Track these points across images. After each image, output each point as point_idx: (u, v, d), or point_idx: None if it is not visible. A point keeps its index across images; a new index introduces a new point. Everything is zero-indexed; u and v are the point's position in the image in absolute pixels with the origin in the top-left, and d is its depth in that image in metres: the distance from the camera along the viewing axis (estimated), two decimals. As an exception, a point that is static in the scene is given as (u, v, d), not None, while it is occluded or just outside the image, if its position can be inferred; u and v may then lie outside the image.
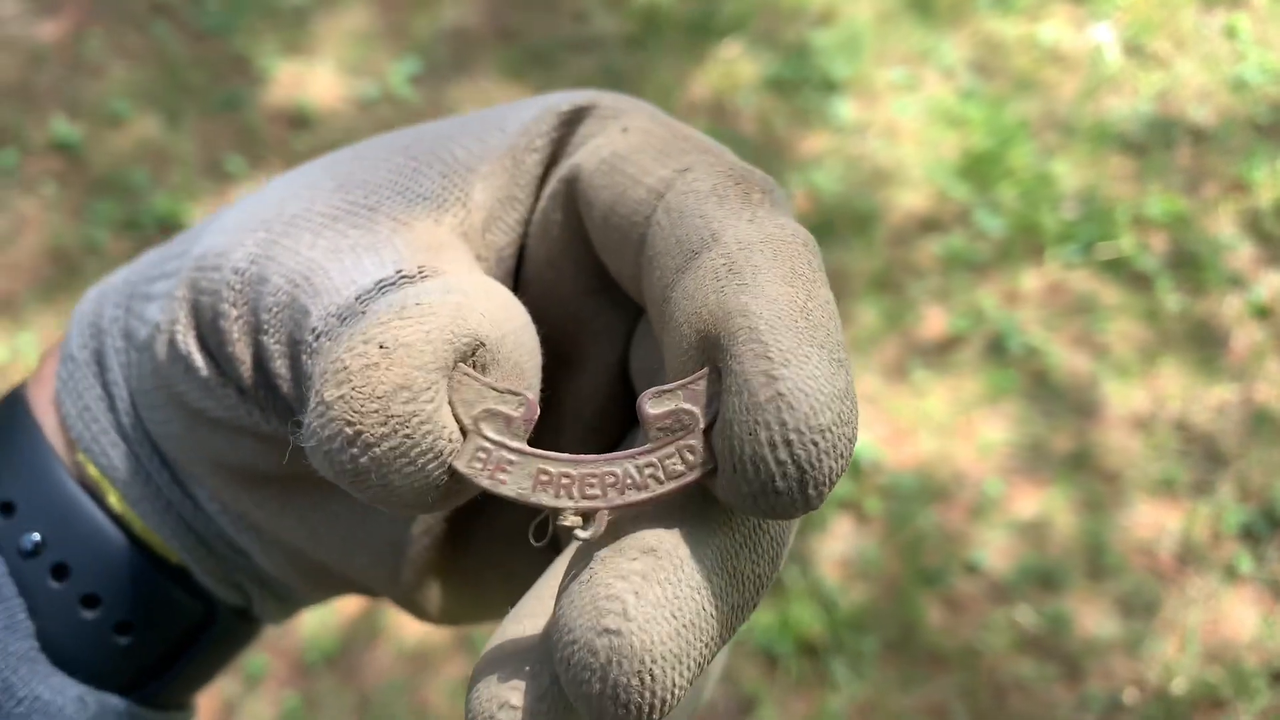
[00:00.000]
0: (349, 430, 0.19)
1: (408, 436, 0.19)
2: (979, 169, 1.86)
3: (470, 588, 0.31)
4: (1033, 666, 1.33)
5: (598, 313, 0.28)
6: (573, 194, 0.26)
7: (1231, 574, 1.41)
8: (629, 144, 0.25)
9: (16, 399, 0.31)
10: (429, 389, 0.20)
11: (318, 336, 0.23)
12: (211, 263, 0.26)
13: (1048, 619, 1.36)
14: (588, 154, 0.25)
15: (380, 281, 0.22)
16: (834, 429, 0.19)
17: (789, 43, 2.05)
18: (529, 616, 0.23)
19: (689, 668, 0.19)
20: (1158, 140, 1.92)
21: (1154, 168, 1.87)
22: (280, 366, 0.24)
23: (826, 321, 0.20)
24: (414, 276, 0.22)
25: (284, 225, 0.25)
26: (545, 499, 0.20)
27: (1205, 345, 1.64)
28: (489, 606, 0.32)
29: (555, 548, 0.31)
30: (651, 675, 0.19)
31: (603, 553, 0.20)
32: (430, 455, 0.20)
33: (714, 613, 0.20)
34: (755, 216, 0.22)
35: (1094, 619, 1.37)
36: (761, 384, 0.19)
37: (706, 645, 0.20)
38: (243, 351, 0.25)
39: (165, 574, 0.30)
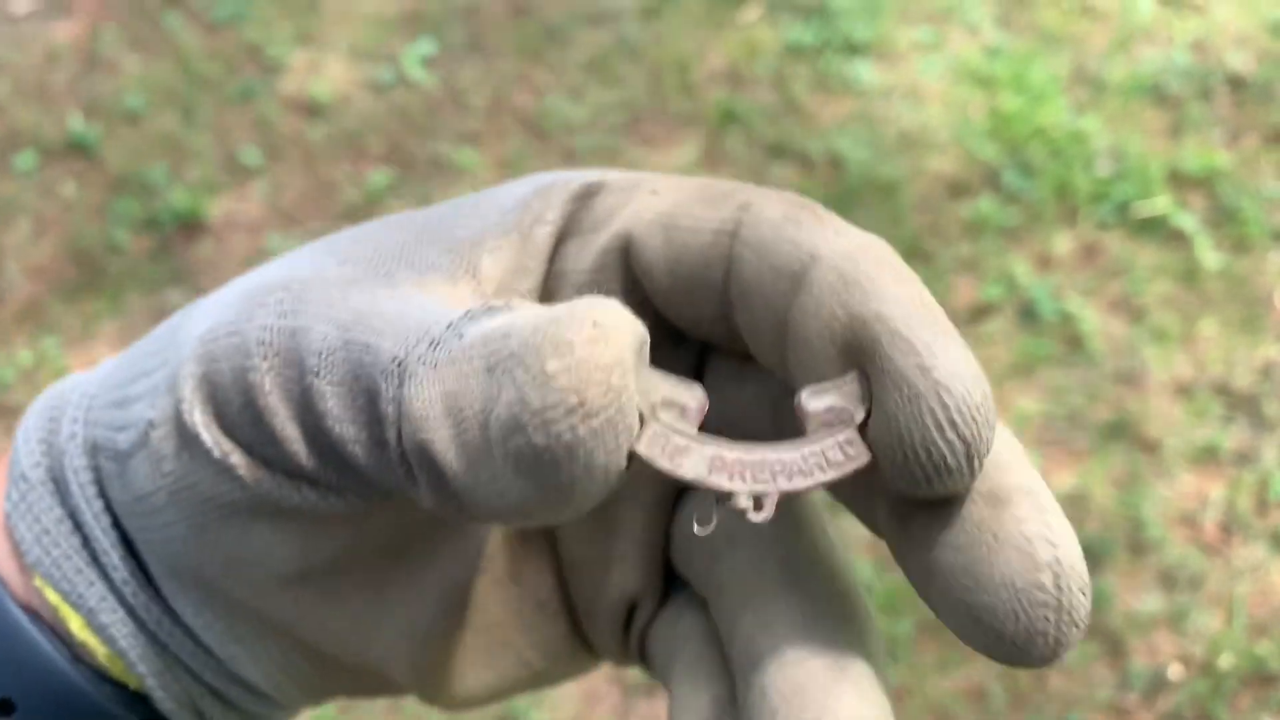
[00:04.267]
0: (573, 399, 0.20)
1: (620, 409, 0.20)
2: (1008, 129, 1.81)
3: (492, 659, 0.30)
4: (1073, 645, 1.30)
5: (669, 366, 0.28)
6: (626, 262, 0.26)
7: (1279, 543, 1.37)
8: (670, 201, 0.25)
9: None
10: (631, 370, 0.21)
11: (400, 365, 0.22)
12: (225, 331, 0.24)
13: (1088, 595, 1.33)
14: (631, 221, 0.26)
15: (469, 312, 0.22)
16: (984, 404, 0.21)
17: (809, 5, 2.00)
18: None
19: None
20: (1194, 91, 1.85)
21: (1191, 120, 1.81)
22: (334, 406, 0.23)
23: (940, 312, 0.22)
24: (501, 307, 0.22)
25: (302, 286, 0.24)
26: (722, 481, 0.22)
27: (1247, 305, 1.59)
28: (514, 682, 0.31)
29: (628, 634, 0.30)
30: None
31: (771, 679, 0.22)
32: (627, 434, 0.21)
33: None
34: (838, 231, 0.23)
35: (1136, 594, 1.34)
36: (918, 376, 0.21)
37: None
38: (277, 402, 0.24)
39: (121, 704, 0.28)
